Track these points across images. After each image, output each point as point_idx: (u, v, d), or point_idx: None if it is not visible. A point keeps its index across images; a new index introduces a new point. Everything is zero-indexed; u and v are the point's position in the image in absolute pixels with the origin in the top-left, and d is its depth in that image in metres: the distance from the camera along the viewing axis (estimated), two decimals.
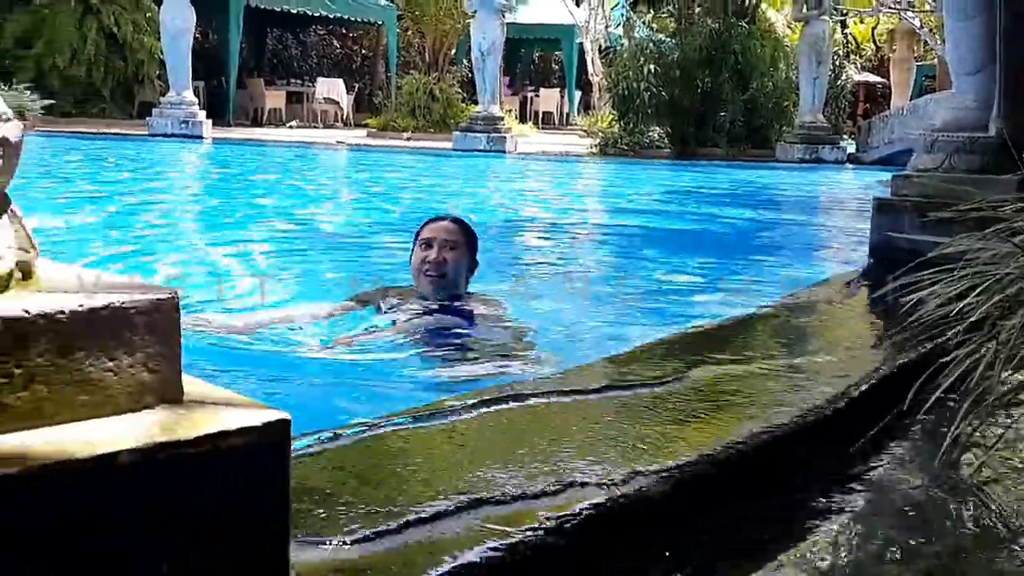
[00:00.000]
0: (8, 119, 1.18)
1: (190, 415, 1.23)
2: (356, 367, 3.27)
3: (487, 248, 6.69)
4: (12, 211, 1.22)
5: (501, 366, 3.23)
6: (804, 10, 18.48)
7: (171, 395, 1.25)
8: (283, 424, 1.27)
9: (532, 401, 2.17)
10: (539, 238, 7.82)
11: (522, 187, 13.06)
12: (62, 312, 1.14)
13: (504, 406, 2.10)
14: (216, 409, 1.26)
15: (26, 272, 1.21)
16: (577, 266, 6.46)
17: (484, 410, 2.07)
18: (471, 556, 1.48)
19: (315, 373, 3.18)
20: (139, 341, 1.21)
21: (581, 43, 25.77)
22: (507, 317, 3.81)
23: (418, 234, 3.84)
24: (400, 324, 3.61)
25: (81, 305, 1.16)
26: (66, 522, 1.10)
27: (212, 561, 1.21)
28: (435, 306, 3.71)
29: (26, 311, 1.12)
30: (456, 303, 3.79)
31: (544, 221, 9.11)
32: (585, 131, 20.60)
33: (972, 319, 2.08)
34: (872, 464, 2.27)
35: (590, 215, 10.20)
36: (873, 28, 31.47)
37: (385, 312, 3.77)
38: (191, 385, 1.29)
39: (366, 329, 3.61)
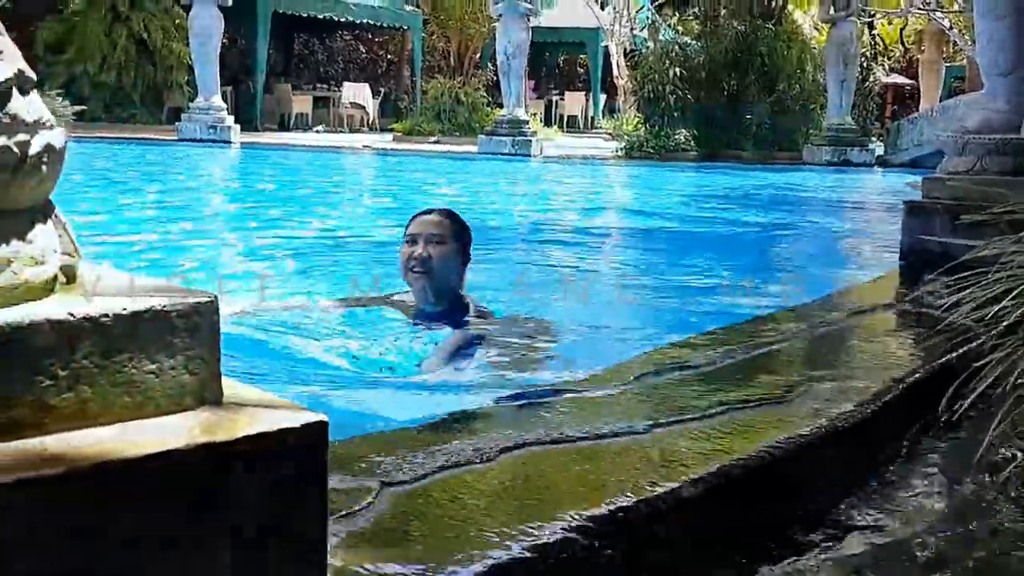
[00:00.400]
0: (52, 126, 1.20)
1: (230, 416, 1.25)
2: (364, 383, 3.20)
3: (514, 251, 6.74)
4: (56, 216, 1.24)
5: (516, 385, 3.15)
6: (831, 11, 18.38)
7: (211, 397, 1.27)
8: (321, 426, 1.29)
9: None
10: (565, 241, 7.82)
11: (548, 190, 13.07)
12: (106, 315, 1.16)
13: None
14: (255, 411, 1.28)
15: (70, 276, 1.24)
16: (602, 270, 6.45)
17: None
18: None
19: (330, 385, 3.12)
20: (179, 343, 1.23)
21: (606, 46, 25.77)
22: (516, 332, 3.68)
23: (405, 229, 3.70)
24: (446, 343, 3.51)
25: (124, 308, 1.18)
26: (108, 521, 1.12)
27: (250, 562, 1.22)
28: (450, 323, 3.60)
29: (71, 314, 1.14)
30: (463, 316, 3.67)
31: (570, 224, 9.12)
32: (610, 134, 20.61)
33: (1007, 323, 2.07)
34: (906, 468, 2.26)
35: (616, 218, 10.19)
36: (901, 29, 31.25)
37: (392, 322, 3.69)
38: (230, 387, 1.31)
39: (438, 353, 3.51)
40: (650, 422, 2.07)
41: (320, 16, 24.55)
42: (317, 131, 22.84)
